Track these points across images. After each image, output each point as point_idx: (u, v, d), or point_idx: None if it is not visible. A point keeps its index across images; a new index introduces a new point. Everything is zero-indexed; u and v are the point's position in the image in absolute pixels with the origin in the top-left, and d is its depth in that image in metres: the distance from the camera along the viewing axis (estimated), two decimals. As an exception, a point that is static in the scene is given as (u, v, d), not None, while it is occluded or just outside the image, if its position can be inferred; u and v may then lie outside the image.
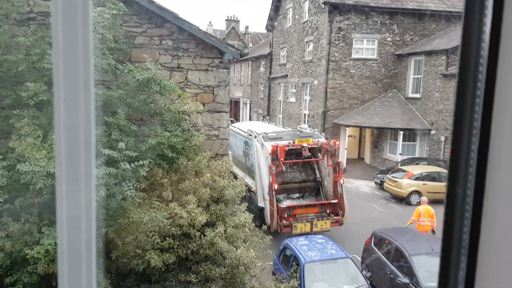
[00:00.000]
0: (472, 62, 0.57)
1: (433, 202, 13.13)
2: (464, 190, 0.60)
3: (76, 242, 0.52)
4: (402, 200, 17.67)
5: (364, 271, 10.12)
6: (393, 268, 9.67)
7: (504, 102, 0.54)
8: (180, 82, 8.75)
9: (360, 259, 11.24)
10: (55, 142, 0.56)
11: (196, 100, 8.79)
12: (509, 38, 0.53)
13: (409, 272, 9.15)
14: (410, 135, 22.78)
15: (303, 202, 14.02)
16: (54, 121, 0.55)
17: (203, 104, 8.97)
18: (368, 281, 9.25)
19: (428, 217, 11.94)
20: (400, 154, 22.14)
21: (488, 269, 0.58)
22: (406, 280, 8.95)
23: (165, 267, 6.77)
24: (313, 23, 25.74)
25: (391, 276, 9.58)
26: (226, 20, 54.95)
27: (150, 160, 6.57)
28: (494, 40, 0.54)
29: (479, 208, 0.58)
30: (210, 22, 54.91)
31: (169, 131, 7.58)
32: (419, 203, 17.08)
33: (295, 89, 29.08)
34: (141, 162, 6.29)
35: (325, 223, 12.90)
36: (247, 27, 56.04)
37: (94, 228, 0.54)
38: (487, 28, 0.55)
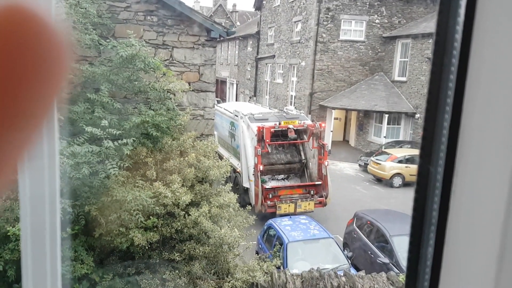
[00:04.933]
0: (449, 38, 0.57)
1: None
2: (436, 167, 0.60)
3: (39, 221, 0.49)
4: (386, 182, 17.96)
5: (345, 250, 10.33)
6: (374, 248, 9.89)
7: (477, 80, 0.55)
8: (165, 60, 8.59)
9: (342, 239, 11.45)
10: None
11: (182, 79, 8.66)
12: (482, 22, 0.54)
13: (390, 252, 9.38)
14: (395, 118, 22.99)
15: (287, 183, 14.12)
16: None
17: (189, 83, 8.84)
18: (349, 260, 9.46)
19: None
20: (384, 137, 22.36)
21: (455, 245, 0.59)
22: (386, 260, 9.18)
23: (149, 246, 6.79)
24: (302, 3, 25.42)
25: (372, 256, 9.80)
26: (213, -3, 53.78)
27: (134, 138, 6.49)
28: (469, 19, 0.55)
29: (448, 184, 0.58)
30: (197, -1, 53.54)
31: (153, 110, 7.48)
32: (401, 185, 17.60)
33: (282, 70, 28.89)
34: (124, 140, 6.21)
35: (309, 204, 13.05)
36: (234, 5, 54.98)
37: (59, 206, 0.51)
38: (462, 11, 0.56)
